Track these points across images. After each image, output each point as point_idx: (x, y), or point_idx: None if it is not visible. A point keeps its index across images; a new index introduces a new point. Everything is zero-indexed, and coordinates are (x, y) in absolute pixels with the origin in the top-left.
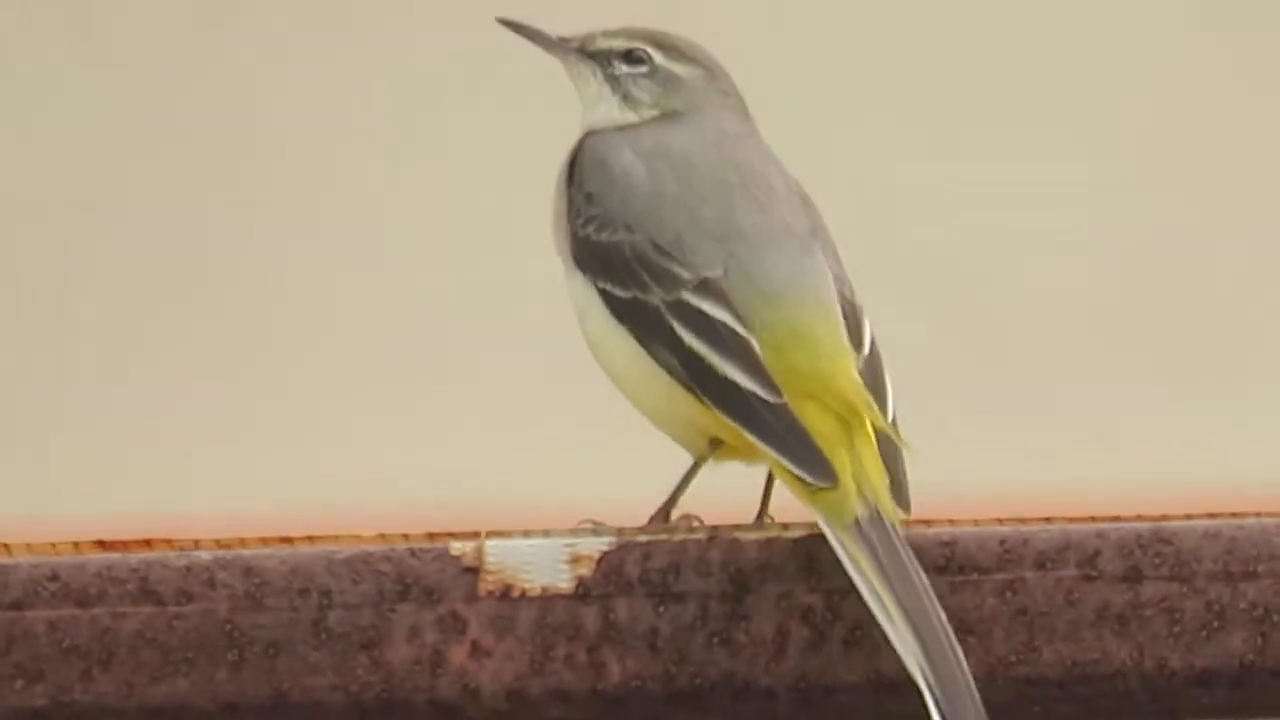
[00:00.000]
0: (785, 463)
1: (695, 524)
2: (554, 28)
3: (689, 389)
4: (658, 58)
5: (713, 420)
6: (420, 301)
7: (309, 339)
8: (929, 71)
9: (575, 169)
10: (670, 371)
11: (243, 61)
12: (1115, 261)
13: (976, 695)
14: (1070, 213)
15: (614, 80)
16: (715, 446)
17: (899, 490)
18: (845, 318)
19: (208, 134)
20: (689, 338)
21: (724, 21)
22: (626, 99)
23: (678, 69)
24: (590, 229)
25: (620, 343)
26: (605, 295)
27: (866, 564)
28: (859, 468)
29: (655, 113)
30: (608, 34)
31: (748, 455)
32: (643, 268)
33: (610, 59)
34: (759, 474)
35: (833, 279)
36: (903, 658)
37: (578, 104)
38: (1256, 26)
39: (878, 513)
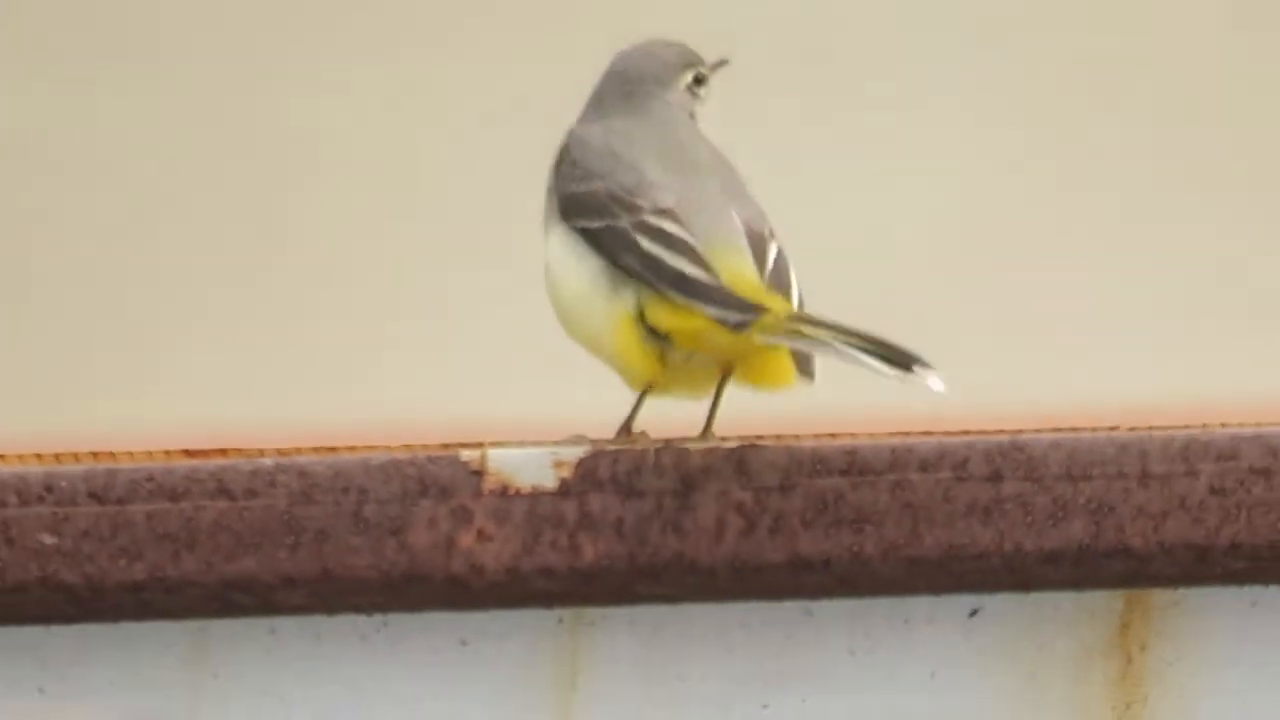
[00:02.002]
0: (718, 314)
1: (651, 437)
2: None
3: (648, 284)
4: (613, 67)
5: (647, 365)
6: (439, 267)
7: (356, 296)
8: (854, 91)
9: (564, 151)
10: (633, 274)
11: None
12: (974, 240)
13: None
14: (941, 196)
15: None
16: (651, 385)
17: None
18: (754, 247)
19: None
20: (648, 244)
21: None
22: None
23: (621, 76)
24: (573, 185)
25: (587, 290)
26: (583, 231)
27: (803, 328)
28: (784, 308)
29: (612, 110)
30: None
31: (680, 387)
32: (614, 203)
33: None
34: (701, 403)
35: (743, 223)
36: (850, 356)
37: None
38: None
39: (804, 315)
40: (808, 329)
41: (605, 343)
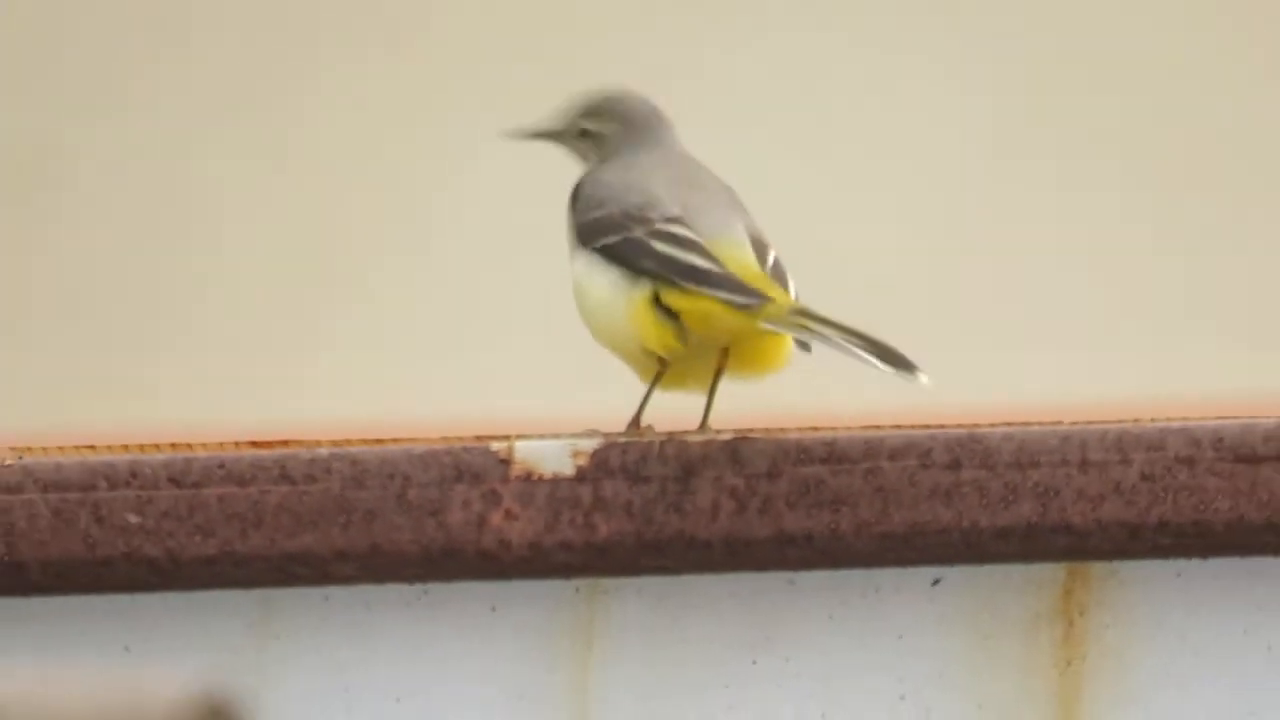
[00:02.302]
0: (727, 297)
1: (656, 430)
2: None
3: (664, 279)
4: (592, 127)
5: (663, 341)
6: (471, 285)
7: (401, 313)
8: (819, 136)
9: (578, 191)
10: (649, 275)
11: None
12: (937, 258)
13: (904, 352)
14: (899, 232)
15: (579, 150)
16: (663, 367)
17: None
18: (755, 249)
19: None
20: (663, 246)
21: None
22: (585, 158)
23: (605, 129)
24: (590, 213)
25: (608, 294)
26: (602, 249)
27: (806, 321)
28: (786, 299)
29: (606, 158)
30: (568, 115)
31: (682, 383)
32: (627, 219)
33: (574, 136)
34: (699, 400)
35: (746, 230)
36: (850, 351)
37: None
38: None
39: (805, 309)
40: (809, 322)
41: (625, 328)
